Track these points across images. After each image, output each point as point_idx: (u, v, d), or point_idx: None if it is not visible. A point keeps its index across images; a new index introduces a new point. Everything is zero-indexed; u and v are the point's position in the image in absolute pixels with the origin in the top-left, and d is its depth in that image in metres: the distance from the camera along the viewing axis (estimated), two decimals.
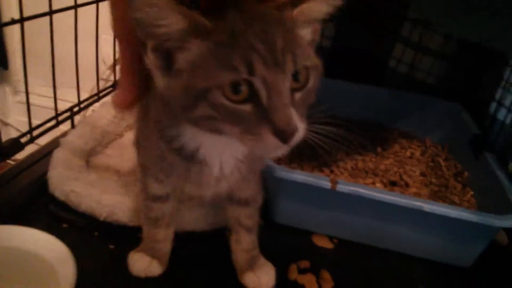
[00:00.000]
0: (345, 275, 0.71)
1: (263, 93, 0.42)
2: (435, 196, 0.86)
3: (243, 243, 0.67)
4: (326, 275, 0.69)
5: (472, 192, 0.88)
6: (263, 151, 0.46)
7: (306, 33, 0.47)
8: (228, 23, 0.42)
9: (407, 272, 0.74)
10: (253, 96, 0.42)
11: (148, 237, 0.66)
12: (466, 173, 0.94)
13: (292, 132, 0.42)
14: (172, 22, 0.41)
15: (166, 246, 0.67)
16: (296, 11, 0.45)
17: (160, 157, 0.55)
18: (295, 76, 0.44)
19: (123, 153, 0.92)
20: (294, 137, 0.43)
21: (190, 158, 0.52)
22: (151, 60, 0.44)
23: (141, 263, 0.65)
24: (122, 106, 0.50)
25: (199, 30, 0.42)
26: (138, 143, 0.63)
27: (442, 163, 0.98)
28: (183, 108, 0.45)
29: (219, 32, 0.42)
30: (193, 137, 0.50)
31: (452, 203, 0.84)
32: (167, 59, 0.44)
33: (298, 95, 0.45)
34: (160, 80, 0.45)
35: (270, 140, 0.42)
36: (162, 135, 0.52)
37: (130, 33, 0.43)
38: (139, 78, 0.48)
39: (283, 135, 0.42)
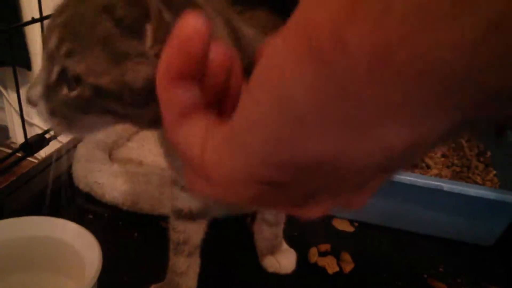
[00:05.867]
0: (365, 256, 0.71)
1: None
2: (457, 177, 0.85)
3: (265, 233, 0.67)
4: (346, 256, 0.70)
5: (495, 172, 0.87)
6: None
7: None
8: None
9: (427, 252, 0.74)
10: None
11: (170, 268, 0.59)
12: (488, 153, 0.92)
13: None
14: None
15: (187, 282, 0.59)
16: None
17: None
18: None
19: (145, 144, 0.94)
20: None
21: None
22: None
23: None
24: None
25: None
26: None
27: (464, 144, 0.97)
28: None
29: None
30: None
31: (475, 183, 0.84)
32: None
33: None
34: None
35: None
36: None
37: None
38: None
39: None
